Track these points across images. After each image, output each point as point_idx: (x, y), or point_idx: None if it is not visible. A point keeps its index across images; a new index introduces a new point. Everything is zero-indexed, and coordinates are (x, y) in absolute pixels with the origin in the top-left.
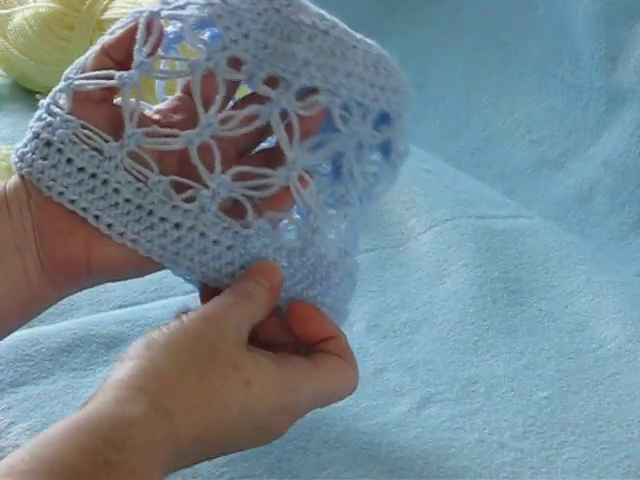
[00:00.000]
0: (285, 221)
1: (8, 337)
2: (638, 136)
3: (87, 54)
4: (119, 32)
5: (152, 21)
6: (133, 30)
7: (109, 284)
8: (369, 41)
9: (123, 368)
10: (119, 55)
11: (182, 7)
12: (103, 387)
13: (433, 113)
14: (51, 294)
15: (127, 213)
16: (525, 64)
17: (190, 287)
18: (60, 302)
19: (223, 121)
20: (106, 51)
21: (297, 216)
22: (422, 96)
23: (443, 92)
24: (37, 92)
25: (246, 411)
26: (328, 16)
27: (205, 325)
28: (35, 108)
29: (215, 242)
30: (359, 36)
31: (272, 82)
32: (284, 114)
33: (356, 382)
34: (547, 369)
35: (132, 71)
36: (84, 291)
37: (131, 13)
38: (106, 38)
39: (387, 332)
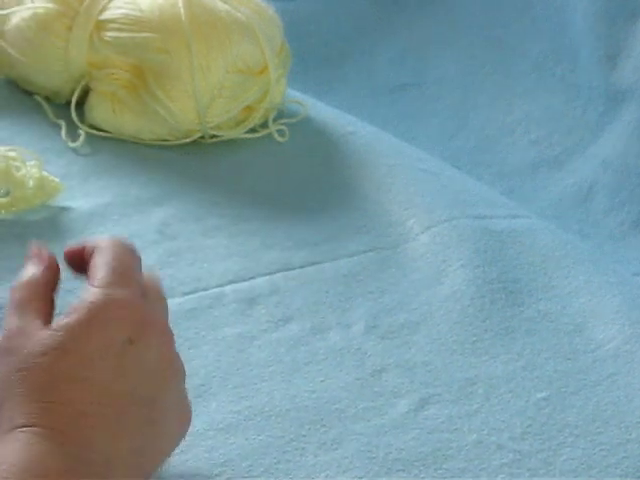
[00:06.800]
0: None
1: None
2: (637, 135)
3: None
4: None
5: None
6: None
7: None
8: None
9: None
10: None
11: None
12: None
13: (431, 112)
14: None
15: None
16: (524, 63)
17: (188, 288)
18: None
19: None
20: None
21: None
22: (420, 95)
23: (441, 91)
24: (35, 93)
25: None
26: None
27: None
28: (33, 109)
29: None
30: None
31: None
32: None
33: None
34: (545, 370)
35: None
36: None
37: None
38: None
39: (385, 333)
